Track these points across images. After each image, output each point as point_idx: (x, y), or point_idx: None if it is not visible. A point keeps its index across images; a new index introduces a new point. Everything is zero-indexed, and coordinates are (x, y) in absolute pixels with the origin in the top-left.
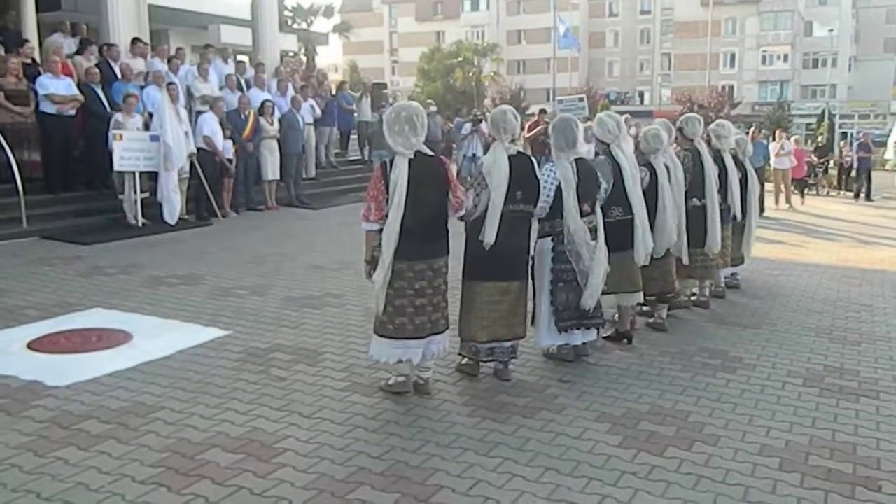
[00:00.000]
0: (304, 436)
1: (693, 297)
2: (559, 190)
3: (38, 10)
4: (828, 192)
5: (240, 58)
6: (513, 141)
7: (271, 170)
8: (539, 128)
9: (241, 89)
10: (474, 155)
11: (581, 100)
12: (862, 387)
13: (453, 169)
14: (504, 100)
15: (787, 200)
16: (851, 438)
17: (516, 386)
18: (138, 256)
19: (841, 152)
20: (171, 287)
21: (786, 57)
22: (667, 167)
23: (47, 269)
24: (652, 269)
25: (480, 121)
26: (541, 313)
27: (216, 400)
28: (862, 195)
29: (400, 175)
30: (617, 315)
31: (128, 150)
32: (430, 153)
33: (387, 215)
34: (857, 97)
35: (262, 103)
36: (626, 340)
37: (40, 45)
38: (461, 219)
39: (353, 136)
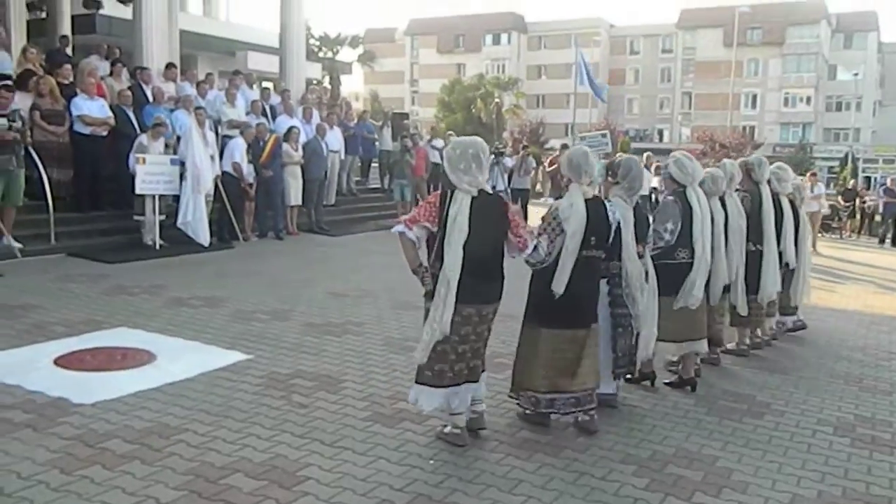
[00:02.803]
0: (326, 464)
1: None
2: (618, 231)
3: (73, 33)
4: (850, 236)
5: (264, 84)
6: (590, 183)
7: (294, 195)
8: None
9: (265, 115)
10: (494, 187)
11: (604, 135)
12: (895, 439)
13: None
14: (524, 133)
15: (813, 245)
16: (886, 492)
17: (538, 423)
18: (161, 277)
19: (863, 198)
20: (193, 309)
21: (808, 99)
22: (726, 210)
23: (73, 286)
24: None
25: (502, 154)
26: (602, 360)
27: (239, 424)
28: (888, 240)
29: (460, 212)
30: (679, 363)
31: (150, 173)
32: (491, 191)
33: (440, 249)
34: (882, 141)
35: (289, 129)
36: (689, 388)
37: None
38: (530, 265)
39: (374, 165)
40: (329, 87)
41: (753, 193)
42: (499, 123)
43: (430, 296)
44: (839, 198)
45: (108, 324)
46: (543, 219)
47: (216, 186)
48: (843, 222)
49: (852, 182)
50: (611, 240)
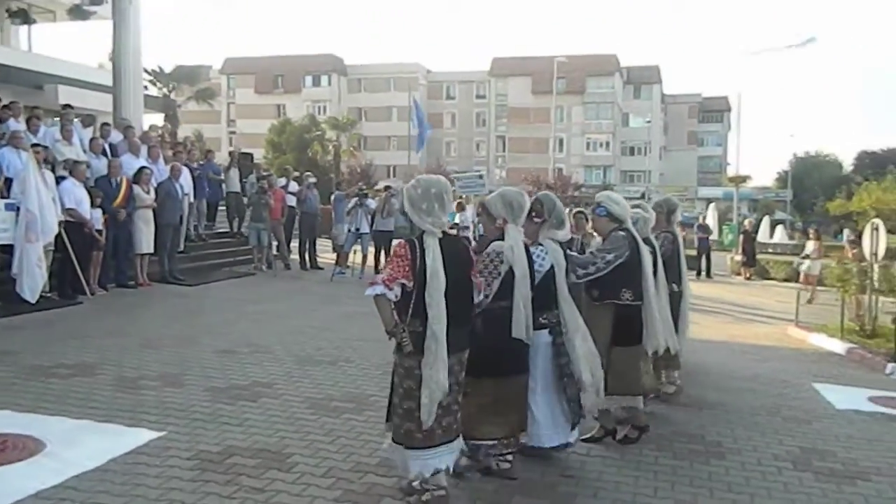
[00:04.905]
0: None
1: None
2: (552, 275)
3: None
4: None
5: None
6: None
7: (146, 242)
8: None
9: (105, 155)
10: (358, 229)
11: (480, 177)
12: (848, 469)
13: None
14: (355, 174)
15: None
16: None
17: (525, 485)
18: (7, 342)
19: None
20: (63, 379)
21: (607, 144)
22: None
23: None
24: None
25: (366, 195)
26: (551, 412)
27: None
28: (703, 273)
29: (434, 258)
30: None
31: None
32: (451, 231)
33: (419, 304)
34: (668, 183)
35: (140, 170)
36: (612, 437)
37: None
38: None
39: (221, 208)
40: (168, 125)
41: (671, 233)
42: (336, 165)
43: (409, 354)
44: None
45: None
46: (480, 262)
47: (57, 235)
48: None
49: None
50: (535, 285)
